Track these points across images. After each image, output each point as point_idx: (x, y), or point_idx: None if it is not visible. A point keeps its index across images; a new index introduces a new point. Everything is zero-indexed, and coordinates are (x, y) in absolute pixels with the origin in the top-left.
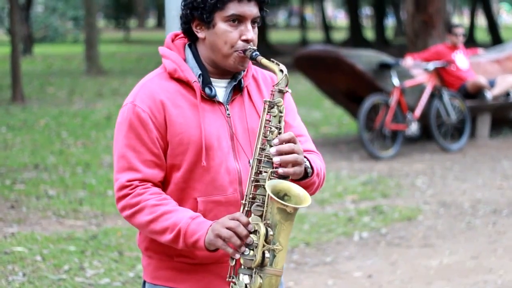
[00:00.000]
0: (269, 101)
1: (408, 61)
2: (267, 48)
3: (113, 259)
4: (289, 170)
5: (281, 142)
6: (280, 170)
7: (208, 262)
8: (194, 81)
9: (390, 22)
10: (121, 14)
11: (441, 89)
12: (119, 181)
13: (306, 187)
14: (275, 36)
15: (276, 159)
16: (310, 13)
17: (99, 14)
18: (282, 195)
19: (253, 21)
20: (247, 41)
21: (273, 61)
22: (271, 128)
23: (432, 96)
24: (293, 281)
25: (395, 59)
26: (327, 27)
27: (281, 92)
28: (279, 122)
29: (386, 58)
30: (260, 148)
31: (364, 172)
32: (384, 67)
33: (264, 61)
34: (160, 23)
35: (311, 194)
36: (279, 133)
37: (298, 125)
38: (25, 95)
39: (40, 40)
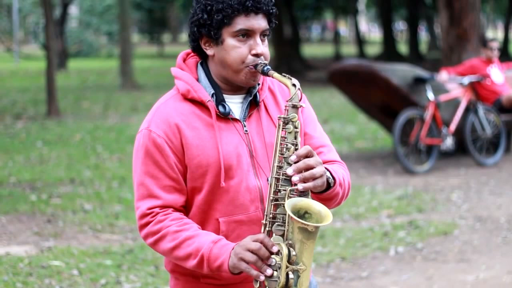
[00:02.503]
0: (284, 117)
1: (443, 76)
2: (301, 63)
3: (149, 273)
4: (309, 184)
5: (298, 158)
6: (300, 186)
7: (234, 282)
8: (209, 101)
9: (423, 36)
10: (155, 29)
11: (476, 103)
12: (140, 209)
13: (330, 199)
14: (308, 50)
15: (295, 178)
16: (343, 27)
17: (133, 29)
18: (303, 213)
19: (263, 34)
20: (257, 55)
21: (285, 76)
22: (287, 145)
23: (467, 110)
24: None
25: (430, 73)
26: (360, 41)
27: (295, 107)
28: (295, 138)
29: (421, 72)
30: (277, 166)
31: (399, 186)
32: (419, 82)
33: (276, 75)
34: None
35: (337, 205)
36: (296, 149)
37: (320, 136)
38: (60, 110)
39: (74, 55)
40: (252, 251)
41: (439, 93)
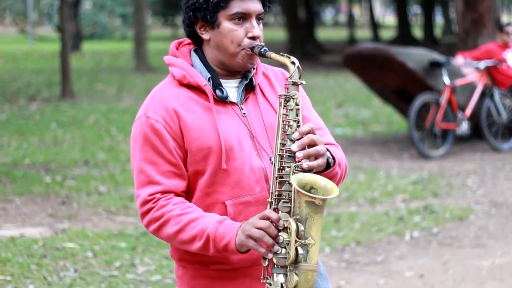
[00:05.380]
0: (285, 95)
1: (459, 60)
2: (315, 46)
3: (164, 256)
4: (313, 163)
5: (301, 135)
6: (304, 165)
7: (244, 266)
8: (205, 85)
9: (438, 20)
10: (168, 11)
11: (492, 88)
12: (141, 196)
13: (329, 178)
14: (322, 34)
15: (299, 154)
16: (357, 10)
17: (147, 12)
18: (309, 189)
19: (258, 18)
20: (253, 38)
21: (283, 55)
22: (289, 122)
23: (483, 95)
24: (344, 279)
25: (446, 57)
26: (375, 25)
27: (295, 84)
28: (297, 115)
29: (437, 56)
30: (280, 143)
31: (414, 171)
32: (435, 66)
33: (274, 55)
34: None
35: (335, 183)
36: (298, 126)
37: (316, 119)
38: (74, 92)
39: (88, 37)
40: (260, 228)
41: (455, 78)
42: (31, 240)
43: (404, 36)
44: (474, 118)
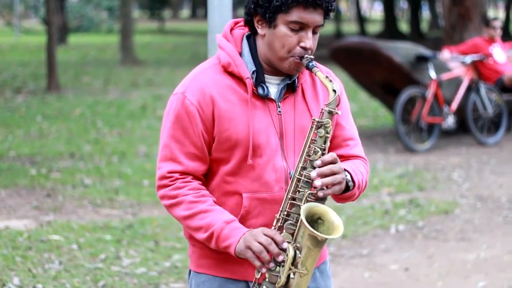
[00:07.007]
0: (318, 121)
1: (445, 54)
2: None
3: (149, 248)
4: (328, 191)
5: (323, 164)
6: (320, 193)
7: None
8: (247, 78)
9: (425, 15)
10: (155, 5)
11: (478, 82)
12: (161, 170)
13: (344, 198)
14: None
15: (317, 183)
16: (343, 5)
17: (133, 4)
18: (316, 218)
19: (314, 29)
20: (305, 48)
21: (327, 77)
22: (315, 148)
23: (469, 89)
24: None
25: (432, 52)
26: (362, 19)
27: (331, 113)
28: (324, 143)
29: (423, 50)
30: (301, 167)
31: (400, 165)
32: (421, 60)
33: (319, 74)
34: (194, 14)
35: (350, 201)
36: (323, 154)
37: (351, 128)
38: (60, 84)
39: (75, 30)
40: (261, 244)
41: (441, 72)
42: (16, 232)
43: (390, 31)
44: (460, 112)
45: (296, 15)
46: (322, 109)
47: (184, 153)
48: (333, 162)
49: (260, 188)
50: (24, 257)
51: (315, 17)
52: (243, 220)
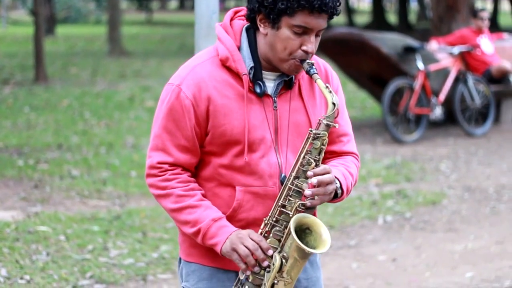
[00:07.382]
0: (314, 132)
1: (433, 45)
2: None
3: (137, 239)
4: (316, 202)
5: (314, 175)
6: (308, 203)
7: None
8: (244, 74)
9: (413, 6)
10: None
11: (466, 73)
12: (151, 159)
13: (332, 202)
14: None
15: (307, 192)
16: None
17: None
18: (305, 228)
19: (317, 32)
20: (307, 52)
21: (327, 87)
22: (309, 159)
23: (456, 80)
24: None
25: (420, 43)
26: (349, 10)
27: (328, 126)
28: (319, 154)
29: (411, 41)
30: (294, 176)
31: (387, 155)
32: (409, 51)
33: (319, 82)
34: (183, 5)
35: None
36: (316, 165)
37: (345, 124)
38: (48, 76)
39: (62, 20)
40: (247, 248)
41: (429, 63)
42: (3, 224)
43: (378, 22)
44: (448, 103)
45: (300, 19)
46: (319, 120)
47: (175, 145)
48: (325, 173)
49: (253, 183)
50: (12, 248)
51: (319, 21)
52: (235, 213)
